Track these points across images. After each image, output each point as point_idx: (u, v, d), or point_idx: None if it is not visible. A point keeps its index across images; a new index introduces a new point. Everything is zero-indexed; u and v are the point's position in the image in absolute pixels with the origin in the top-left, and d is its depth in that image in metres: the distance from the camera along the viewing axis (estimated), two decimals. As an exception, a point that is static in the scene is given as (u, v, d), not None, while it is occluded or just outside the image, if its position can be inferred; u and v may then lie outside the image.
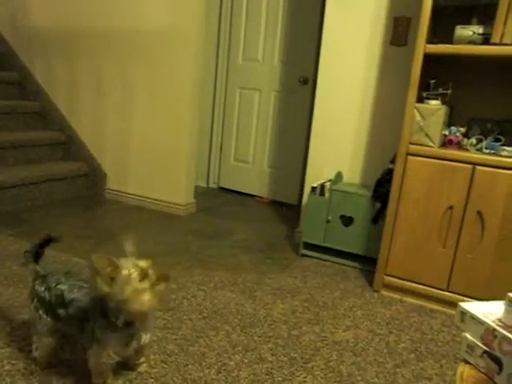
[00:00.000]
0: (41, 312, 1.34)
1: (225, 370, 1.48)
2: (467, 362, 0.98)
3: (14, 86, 3.60)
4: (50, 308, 1.32)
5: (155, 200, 3.25)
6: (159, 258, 2.36)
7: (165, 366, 1.47)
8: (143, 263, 1.18)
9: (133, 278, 1.14)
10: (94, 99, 3.38)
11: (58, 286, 1.33)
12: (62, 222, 2.79)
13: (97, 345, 1.24)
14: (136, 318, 1.23)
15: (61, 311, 1.31)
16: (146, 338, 1.30)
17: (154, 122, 3.17)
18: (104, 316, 1.22)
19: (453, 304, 2.00)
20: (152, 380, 1.40)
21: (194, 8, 2.87)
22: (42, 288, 1.35)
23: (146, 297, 1.15)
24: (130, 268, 1.15)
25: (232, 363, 1.52)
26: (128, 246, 1.22)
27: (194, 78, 2.98)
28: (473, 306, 0.98)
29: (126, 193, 3.37)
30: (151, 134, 3.20)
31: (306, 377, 1.49)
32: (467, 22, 1.91)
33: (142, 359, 1.43)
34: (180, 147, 3.10)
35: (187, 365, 1.49)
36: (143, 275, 1.16)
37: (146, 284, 1.16)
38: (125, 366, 1.41)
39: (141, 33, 3.08)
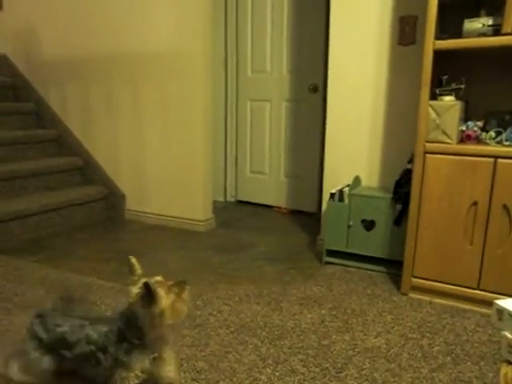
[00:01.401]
0: (38, 353, 1.34)
1: (257, 384, 1.46)
2: (510, 363, 0.93)
3: (30, 115, 3.69)
4: (51, 348, 1.33)
5: (174, 217, 3.26)
6: (182, 275, 2.35)
7: (196, 383, 1.46)
8: (159, 278, 1.23)
9: (163, 294, 1.19)
10: (108, 122, 3.43)
11: (58, 330, 1.33)
12: (84, 246, 2.82)
13: (123, 368, 1.24)
14: (161, 334, 1.26)
15: (65, 352, 1.31)
16: (165, 349, 1.30)
17: (168, 141, 3.20)
18: (123, 341, 1.24)
19: (485, 303, 1.95)
20: (184, 399, 1.38)
21: (200, 28, 2.91)
22: (41, 328, 1.35)
23: (179, 306, 1.21)
24: (159, 286, 1.19)
25: (263, 377, 1.50)
26: (134, 262, 1.27)
27: (204, 95, 3.00)
28: (510, 303, 0.95)
29: (145, 212, 3.39)
30: (166, 152, 3.22)
31: (339, 387, 1.45)
32: (475, 15, 1.88)
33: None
34: (196, 163, 3.12)
35: (218, 381, 1.47)
36: (168, 288, 1.21)
37: (172, 295, 1.21)
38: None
39: (150, 55, 3.13)
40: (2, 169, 3.00)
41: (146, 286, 1.17)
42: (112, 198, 3.47)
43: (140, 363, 1.25)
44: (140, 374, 1.25)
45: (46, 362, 1.34)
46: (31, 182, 3.19)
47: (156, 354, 1.28)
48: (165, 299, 1.19)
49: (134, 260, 1.28)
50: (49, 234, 3.03)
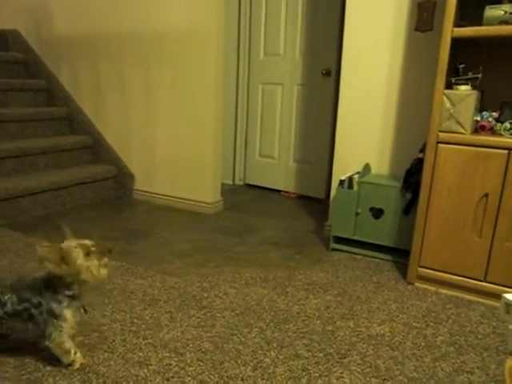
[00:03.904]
0: None
1: (261, 366, 1.48)
2: (515, 356, 0.94)
3: (41, 93, 3.69)
4: None
5: (183, 199, 3.27)
6: (189, 257, 2.37)
7: (201, 363, 1.48)
8: (86, 242, 1.37)
9: (80, 254, 1.33)
10: (119, 102, 3.42)
11: None
12: (93, 224, 2.84)
13: (57, 320, 1.35)
14: (85, 288, 1.42)
15: None
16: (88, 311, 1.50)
17: (178, 122, 3.19)
18: (56, 293, 1.36)
19: (491, 295, 1.95)
20: (189, 378, 1.41)
21: (213, 8, 2.87)
22: None
23: (96, 268, 1.36)
24: (76, 247, 1.34)
25: (267, 360, 1.51)
26: (65, 229, 1.40)
27: (216, 77, 2.98)
28: (518, 297, 0.95)
29: (153, 193, 3.40)
30: (176, 133, 3.22)
31: (342, 372, 1.47)
32: (497, 1, 1.83)
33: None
34: (205, 145, 3.11)
35: (223, 362, 1.49)
36: (87, 251, 1.35)
37: (93, 258, 1.36)
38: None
39: (162, 35, 3.10)
40: (13, 146, 3.02)
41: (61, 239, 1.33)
42: (121, 178, 3.48)
43: (72, 315, 1.38)
44: (74, 325, 1.39)
45: None
46: (41, 160, 3.21)
47: (86, 308, 1.45)
48: (80, 259, 1.33)
49: (66, 228, 1.41)
50: (58, 211, 3.06)
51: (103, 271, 1.38)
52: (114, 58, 3.36)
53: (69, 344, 1.40)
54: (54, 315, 1.35)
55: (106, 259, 1.38)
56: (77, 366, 1.43)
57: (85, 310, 1.45)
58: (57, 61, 3.68)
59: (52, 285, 1.36)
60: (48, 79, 3.70)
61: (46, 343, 1.38)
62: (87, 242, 1.37)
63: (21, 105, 3.52)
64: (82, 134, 3.59)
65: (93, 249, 1.37)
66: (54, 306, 1.35)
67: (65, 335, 1.38)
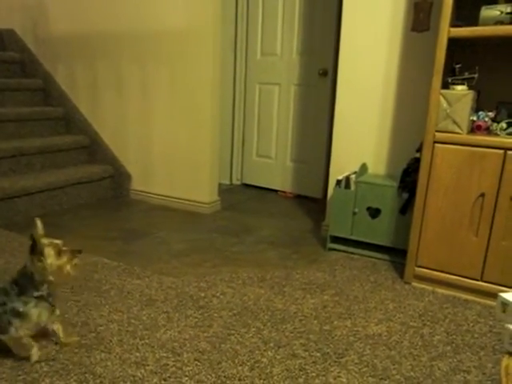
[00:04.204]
0: None
1: (258, 366, 1.48)
2: None
3: (38, 92, 3.68)
4: None
5: (180, 199, 3.26)
6: (186, 257, 2.37)
7: (198, 363, 1.48)
8: (57, 241, 1.41)
9: (51, 253, 1.37)
10: (116, 102, 3.42)
11: None
12: (90, 224, 2.84)
13: (20, 318, 1.37)
14: (55, 288, 1.45)
15: None
16: (57, 310, 1.49)
17: (175, 122, 3.19)
18: (23, 293, 1.38)
19: (488, 294, 1.95)
20: (186, 378, 1.41)
21: (210, 8, 2.86)
22: None
23: (67, 268, 1.40)
24: (48, 245, 1.38)
25: (265, 360, 1.52)
26: (38, 228, 1.39)
27: (213, 77, 2.98)
28: (514, 296, 0.95)
29: (150, 193, 3.40)
30: (173, 133, 3.22)
31: (340, 372, 1.47)
32: (493, 2, 1.84)
33: (69, 335, 1.57)
34: (202, 145, 3.11)
35: (220, 362, 1.49)
36: (58, 251, 1.39)
37: (64, 258, 1.40)
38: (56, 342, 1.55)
39: (159, 34, 3.09)
40: (9, 145, 3.01)
41: (31, 237, 1.35)
42: (118, 178, 3.48)
43: (37, 314, 1.40)
44: (36, 324, 1.41)
45: None
46: (38, 160, 3.19)
47: (55, 309, 1.47)
48: (51, 257, 1.37)
49: (38, 221, 1.40)
50: (55, 211, 3.05)
51: (72, 271, 1.42)
52: (111, 57, 3.35)
53: (26, 340, 1.42)
54: (17, 314, 1.38)
55: (76, 260, 1.43)
56: (33, 359, 1.45)
57: (53, 310, 1.47)
58: (53, 60, 3.67)
59: (20, 285, 1.39)
60: (44, 79, 3.69)
61: (1, 337, 1.40)
62: (58, 241, 1.41)
63: (17, 104, 3.51)
64: (78, 133, 3.58)
65: (64, 248, 1.41)
66: (18, 305, 1.38)
67: (23, 332, 1.40)
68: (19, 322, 1.38)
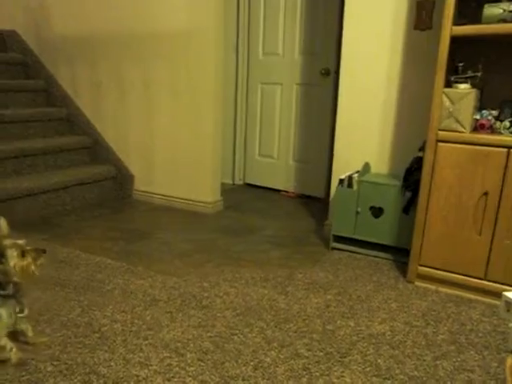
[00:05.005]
0: None
1: (261, 366, 1.48)
2: (515, 354, 0.94)
3: (40, 93, 3.68)
4: None
5: (183, 199, 3.27)
6: (189, 257, 2.37)
7: (202, 363, 1.48)
8: (20, 242, 1.41)
9: (16, 254, 1.37)
10: (118, 102, 3.42)
11: None
12: (92, 225, 2.84)
13: None
14: (21, 287, 1.44)
15: None
16: (26, 309, 1.48)
17: (177, 122, 3.19)
18: None
19: (491, 293, 1.95)
20: (190, 378, 1.41)
21: (212, 8, 2.86)
22: None
23: (31, 269, 1.40)
24: (11, 246, 1.38)
25: (268, 359, 1.51)
26: (1, 226, 1.42)
27: (215, 77, 2.98)
28: (519, 295, 0.95)
29: (153, 193, 3.40)
30: (175, 133, 3.22)
31: (343, 371, 1.47)
32: (496, 0, 1.83)
33: (38, 334, 1.57)
34: (205, 145, 3.11)
35: (224, 362, 1.49)
36: (22, 252, 1.39)
37: (28, 258, 1.40)
38: (25, 342, 1.54)
39: (161, 35, 3.09)
40: (12, 146, 3.01)
41: None
42: (120, 178, 3.48)
43: (7, 314, 1.40)
44: (8, 323, 1.41)
45: None
46: (41, 160, 3.20)
47: (23, 308, 1.46)
48: (15, 259, 1.37)
49: (2, 220, 1.43)
50: (58, 212, 3.06)
51: (37, 271, 1.42)
52: (113, 58, 3.35)
53: (3, 341, 1.41)
54: None
55: (41, 259, 1.43)
56: (13, 361, 1.44)
57: (21, 310, 1.46)
58: (55, 61, 3.68)
59: None
60: (47, 80, 3.70)
61: None
62: (21, 241, 1.41)
63: (20, 105, 3.52)
64: (81, 134, 3.59)
65: (28, 248, 1.41)
66: None
67: (0, 333, 1.39)
68: None
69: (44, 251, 1.45)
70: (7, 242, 1.38)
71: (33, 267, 1.41)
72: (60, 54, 3.63)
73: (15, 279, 1.39)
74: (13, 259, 1.37)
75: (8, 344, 1.42)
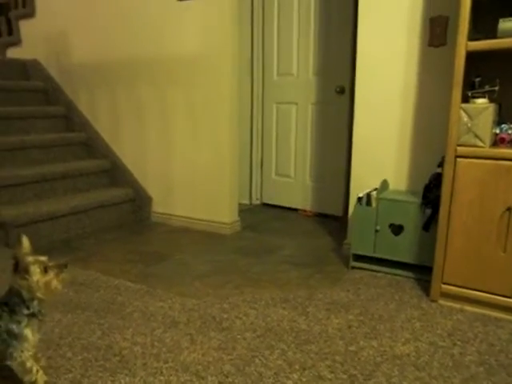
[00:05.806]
0: None
1: (283, 389, 1.45)
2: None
3: (60, 119, 3.78)
4: None
5: (200, 220, 3.28)
6: (208, 278, 2.36)
7: (223, 387, 1.46)
8: (43, 258, 1.40)
9: (38, 271, 1.36)
10: (136, 126, 3.48)
11: None
12: (112, 247, 2.86)
13: (17, 339, 1.35)
14: (43, 305, 1.42)
15: None
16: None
17: (194, 144, 3.23)
18: (14, 312, 1.36)
19: (520, 311, 1.89)
20: (211, 402, 1.38)
21: (226, 33, 2.92)
22: None
23: (54, 284, 1.40)
24: (34, 263, 1.37)
25: (290, 382, 1.48)
26: (23, 245, 1.39)
27: (231, 99, 3.02)
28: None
29: (171, 215, 3.42)
30: (193, 155, 3.25)
31: (368, 394, 1.43)
32: (511, 14, 1.83)
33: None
34: (222, 166, 3.13)
35: (245, 385, 1.47)
36: (45, 267, 1.38)
37: (51, 274, 1.39)
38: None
39: (177, 59, 3.16)
40: (33, 171, 3.08)
41: (14, 256, 1.35)
42: (139, 201, 3.51)
43: (34, 333, 1.39)
44: (35, 343, 1.39)
45: None
46: (61, 184, 3.26)
47: (42, 326, 1.44)
48: (37, 274, 1.36)
49: (24, 238, 1.40)
50: (78, 235, 3.09)
51: (60, 286, 1.42)
52: (130, 83, 3.43)
53: (30, 363, 1.39)
54: (14, 335, 1.35)
55: (63, 274, 1.43)
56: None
57: (40, 328, 1.45)
58: (75, 88, 3.78)
59: (11, 304, 1.37)
60: (67, 106, 3.80)
61: (8, 363, 1.37)
62: (43, 258, 1.40)
63: (41, 131, 3.61)
64: (99, 157, 3.65)
65: (50, 264, 1.41)
66: (13, 326, 1.35)
67: (26, 354, 1.38)
68: (19, 344, 1.36)
69: (66, 266, 1.45)
70: (30, 258, 1.38)
71: (55, 282, 1.41)
72: (79, 81, 3.74)
73: (39, 295, 1.39)
74: (36, 275, 1.37)
75: (34, 366, 1.41)
